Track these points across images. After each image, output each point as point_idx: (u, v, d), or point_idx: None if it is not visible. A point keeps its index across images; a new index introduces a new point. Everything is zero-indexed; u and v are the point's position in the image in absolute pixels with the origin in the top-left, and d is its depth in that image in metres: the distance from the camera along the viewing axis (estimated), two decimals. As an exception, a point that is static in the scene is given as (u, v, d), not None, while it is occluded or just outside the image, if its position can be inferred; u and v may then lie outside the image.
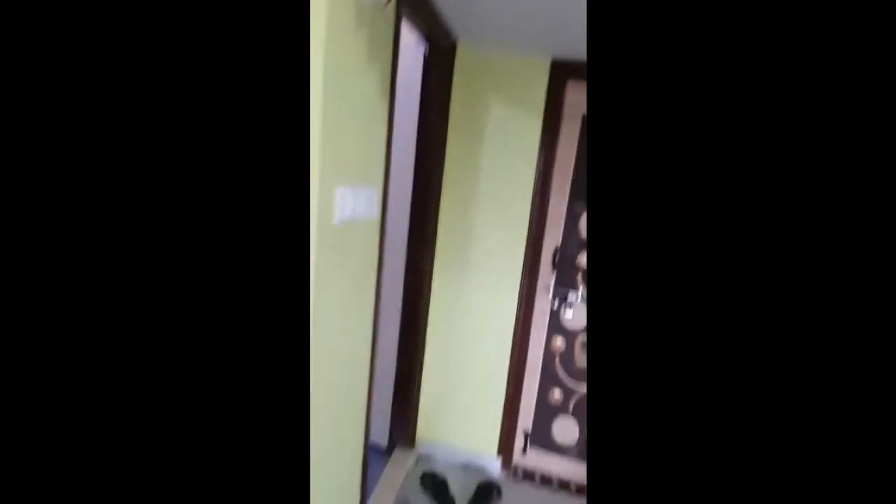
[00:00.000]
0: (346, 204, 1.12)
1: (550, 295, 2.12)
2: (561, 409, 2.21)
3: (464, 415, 2.31)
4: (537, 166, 2.02)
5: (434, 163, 2.03)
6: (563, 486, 2.25)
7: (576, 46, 1.75)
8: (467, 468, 2.32)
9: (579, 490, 2.23)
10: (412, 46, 1.87)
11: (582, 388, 2.18)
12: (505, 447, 2.29)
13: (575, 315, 2.12)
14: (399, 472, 2.16)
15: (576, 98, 1.95)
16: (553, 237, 2.08)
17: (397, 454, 2.29)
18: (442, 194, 2.12)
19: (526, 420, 2.26)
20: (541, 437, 2.26)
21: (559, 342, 2.16)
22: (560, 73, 1.93)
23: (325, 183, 1.01)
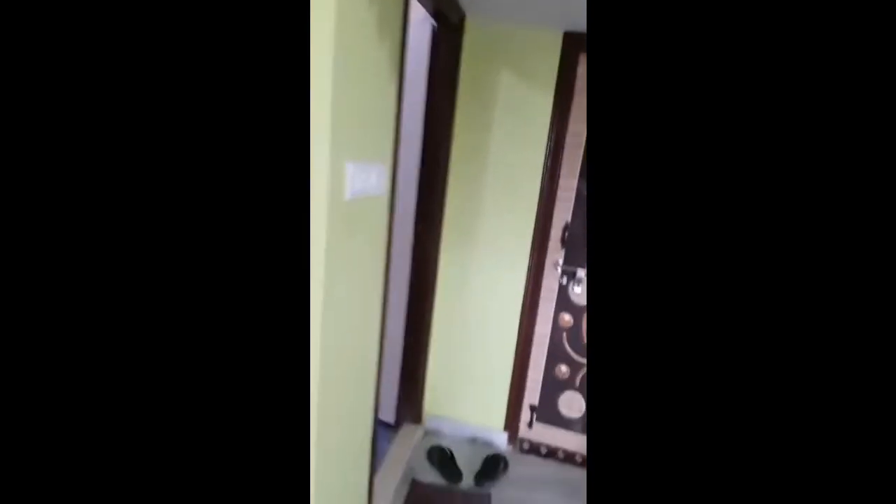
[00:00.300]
0: (356, 179, 1.12)
1: (559, 271, 2.12)
2: (567, 383, 2.24)
3: (471, 390, 2.34)
4: (548, 142, 1.99)
5: (442, 139, 2.00)
6: (569, 458, 2.29)
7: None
8: (474, 442, 2.36)
9: (584, 462, 2.27)
10: (420, 22, 1.83)
11: (588, 364, 2.19)
12: (511, 421, 2.32)
13: (583, 291, 2.12)
14: (407, 446, 2.20)
15: (588, 71, 1.92)
16: (563, 213, 2.07)
17: (405, 429, 2.32)
18: (449, 171, 2.10)
19: (532, 395, 2.29)
20: (547, 411, 2.29)
21: (567, 318, 2.17)
22: (573, 45, 1.88)
23: (336, 157, 1.00)
